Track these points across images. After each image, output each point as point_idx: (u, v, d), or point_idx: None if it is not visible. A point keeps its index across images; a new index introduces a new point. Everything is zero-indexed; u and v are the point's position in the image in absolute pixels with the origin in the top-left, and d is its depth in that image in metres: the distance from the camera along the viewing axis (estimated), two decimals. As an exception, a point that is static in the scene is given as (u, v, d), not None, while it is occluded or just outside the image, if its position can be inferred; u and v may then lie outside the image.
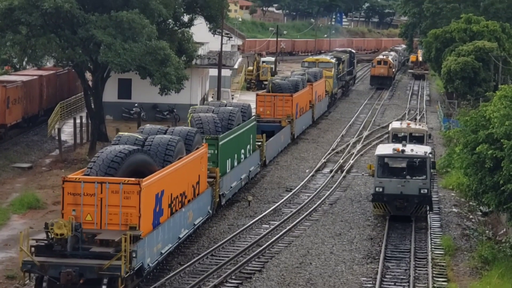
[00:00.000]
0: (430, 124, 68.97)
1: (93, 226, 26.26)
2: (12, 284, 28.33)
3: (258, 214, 38.55)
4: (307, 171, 49.44)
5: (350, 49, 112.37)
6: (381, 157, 38.04)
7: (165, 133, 33.16)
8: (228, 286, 28.68)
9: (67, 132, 58.10)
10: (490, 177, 32.00)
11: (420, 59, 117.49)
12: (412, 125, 48.17)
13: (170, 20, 54.73)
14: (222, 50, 68.89)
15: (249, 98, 72.90)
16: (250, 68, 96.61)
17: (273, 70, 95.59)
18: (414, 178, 37.47)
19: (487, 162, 31.67)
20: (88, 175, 27.22)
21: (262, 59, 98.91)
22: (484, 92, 64.85)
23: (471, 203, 41.38)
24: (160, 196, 28.45)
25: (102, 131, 53.66)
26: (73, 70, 58.00)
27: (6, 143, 52.64)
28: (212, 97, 72.20)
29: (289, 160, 52.82)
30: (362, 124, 70.49)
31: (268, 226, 36.53)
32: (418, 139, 45.55)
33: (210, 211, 35.79)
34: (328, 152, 55.99)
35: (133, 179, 26.58)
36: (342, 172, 49.30)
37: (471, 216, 40.36)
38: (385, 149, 39.44)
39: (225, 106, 44.29)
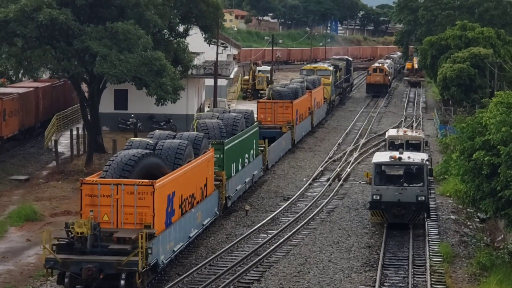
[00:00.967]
0: (426, 131, 69.02)
1: (110, 225, 27.84)
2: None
3: (256, 223, 38.51)
4: (304, 179, 49.42)
5: (347, 57, 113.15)
6: (378, 165, 38.02)
7: (174, 138, 34.77)
8: (226, 296, 28.69)
9: (63, 143, 58.04)
10: (487, 184, 32.01)
11: (416, 66, 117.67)
12: (409, 133, 48.23)
13: (165, 31, 54.78)
14: (218, 59, 68.93)
15: (246, 108, 72.83)
16: (246, 77, 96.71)
17: (269, 79, 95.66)
18: (411, 185, 37.46)
19: (484, 169, 31.69)
20: (104, 177, 28.86)
21: (258, 68, 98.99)
22: (480, 99, 64.88)
23: (468, 209, 41.39)
24: (172, 197, 30.01)
25: (98, 142, 53.64)
26: (69, 82, 57.99)
27: (3, 155, 52.59)
28: (209, 107, 72.18)
29: (286, 169, 52.80)
30: (359, 132, 70.52)
31: (266, 235, 36.48)
32: (415, 146, 45.61)
33: (217, 212, 37.33)
34: (325, 160, 56.00)
35: (147, 180, 28.16)
36: (339, 180, 49.30)
37: (468, 223, 40.35)
38: (382, 156, 39.42)
39: (229, 112, 45.81)
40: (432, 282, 30.48)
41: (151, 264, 27.24)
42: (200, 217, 33.92)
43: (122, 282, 26.24)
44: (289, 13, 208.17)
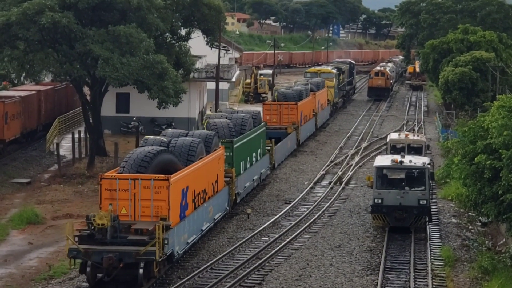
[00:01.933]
0: (428, 135, 68.99)
1: (128, 218, 29.32)
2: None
3: (258, 227, 38.51)
4: (306, 183, 49.42)
5: (350, 60, 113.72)
6: (380, 169, 38.01)
7: (186, 136, 36.25)
8: (228, 300, 28.71)
9: (65, 147, 58.08)
10: (489, 187, 31.97)
11: (418, 70, 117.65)
12: (411, 136, 48.18)
13: (167, 34, 54.81)
14: (220, 63, 68.96)
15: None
16: (248, 81, 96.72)
17: (271, 82, 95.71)
18: (413, 189, 37.45)
19: (486, 173, 31.66)
20: (121, 173, 30.29)
21: (260, 71, 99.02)
22: (482, 103, 64.85)
23: (470, 213, 41.35)
24: (185, 191, 31.55)
25: (100, 146, 53.66)
26: (71, 85, 58.02)
27: (5, 158, 52.63)
28: (210, 110, 72.26)
29: (288, 172, 52.82)
30: (361, 136, 70.52)
31: (267, 239, 36.48)
32: (416, 150, 45.55)
33: (228, 208, 39.28)
34: (327, 164, 56.01)
35: (162, 175, 29.68)
36: (341, 184, 49.30)
37: (470, 227, 40.31)
38: (384, 160, 39.41)
39: (237, 113, 47.62)
40: (434, 286, 30.44)
41: (167, 254, 28.77)
42: (211, 211, 35.62)
43: (141, 270, 27.69)
44: (291, 16, 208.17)
